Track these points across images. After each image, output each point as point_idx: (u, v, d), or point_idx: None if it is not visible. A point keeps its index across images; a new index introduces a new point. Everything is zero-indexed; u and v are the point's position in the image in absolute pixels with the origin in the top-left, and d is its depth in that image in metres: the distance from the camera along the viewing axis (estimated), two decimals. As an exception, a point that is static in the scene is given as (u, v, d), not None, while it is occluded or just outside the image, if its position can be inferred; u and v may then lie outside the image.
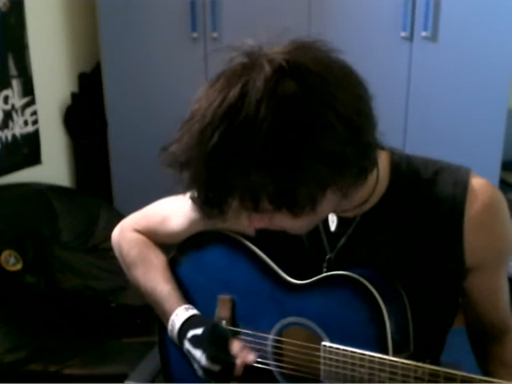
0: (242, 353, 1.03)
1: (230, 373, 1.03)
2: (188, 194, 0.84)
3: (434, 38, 2.28)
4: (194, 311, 1.12)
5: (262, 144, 0.75)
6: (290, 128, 0.76)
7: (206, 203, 0.82)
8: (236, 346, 1.04)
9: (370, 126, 0.84)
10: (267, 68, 0.77)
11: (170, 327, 1.12)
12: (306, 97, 0.77)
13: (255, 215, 0.83)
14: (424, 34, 2.27)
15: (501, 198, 0.97)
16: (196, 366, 1.06)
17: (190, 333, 1.07)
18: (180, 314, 1.11)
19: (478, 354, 1.10)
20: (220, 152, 0.76)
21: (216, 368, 1.02)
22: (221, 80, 0.80)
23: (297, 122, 0.76)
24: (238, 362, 1.02)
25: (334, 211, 0.99)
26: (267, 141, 0.75)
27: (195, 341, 1.06)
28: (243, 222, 0.86)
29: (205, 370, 1.04)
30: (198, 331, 1.07)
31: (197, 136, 0.78)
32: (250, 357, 1.03)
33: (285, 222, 0.85)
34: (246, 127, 0.75)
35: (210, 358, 1.03)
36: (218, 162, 0.77)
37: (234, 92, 0.76)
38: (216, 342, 1.04)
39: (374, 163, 0.89)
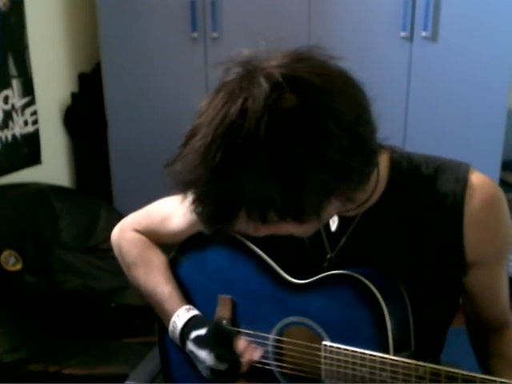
0: (248, 350, 1.04)
1: (237, 371, 1.04)
2: (193, 209, 0.84)
3: (434, 37, 2.28)
4: (195, 312, 1.12)
5: (266, 160, 0.75)
6: (293, 141, 0.76)
7: (213, 219, 0.83)
8: (241, 344, 1.05)
9: (371, 131, 0.84)
10: (265, 84, 0.77)
11: (171, 328, 1.12)
12: (305, 109, 0.77)
13: (261, 225, 0.84)
14: (424, 33, 2.27)
15: (500, 194, 0.97)
16: (201, 366, 1.06)
17: (193, 333, 1.07)
18: (181, 315, 1.11)
19: (477, 351, 1.10)
20: (225, 170, 0.77)
21: (223, 367, 1.03)
22: (220, 94, 0.80)
23: (299, 135, 0.76)
24: (245, 359, 1.03)
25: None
26: (271, 156, 0.75)
27: (199, 341, 1.06)
28: (249, 230, 0.86)
29: (212, 369, 1.04)
30: (202, 332, 1.07)
31: (200, 154, 0.78)
32: (256, 354, 1.05)
33: (290, 228, 0.86)
34: (249, 144, 0.76)
35: (217, 357, 1.03)
36: (224, 180, 0.77)
37: (234, 109, 0.77)
38: (221, 342, 1.05)
39: (375, 165, 0.90)
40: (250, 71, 0.80)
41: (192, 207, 0.83)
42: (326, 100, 0.78)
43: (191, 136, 0.80)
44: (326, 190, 0.80)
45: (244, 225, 0.82)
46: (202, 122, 0.80)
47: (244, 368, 1.04)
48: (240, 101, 0.77)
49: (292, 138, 0.76)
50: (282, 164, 0.76)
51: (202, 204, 0.81)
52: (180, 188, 0.82)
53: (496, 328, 1.07)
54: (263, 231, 0.86)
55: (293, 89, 0.77)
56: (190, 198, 0.82)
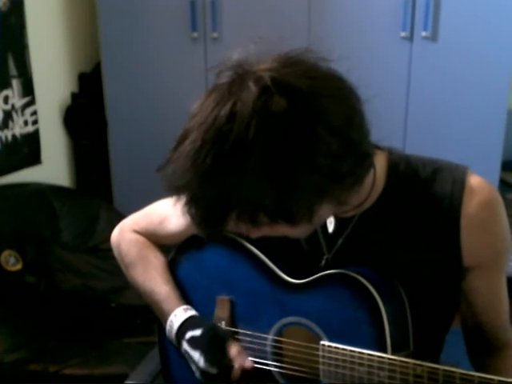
0: (240, 357, 1.04)
1: (228, 375, 1.03)
2: (185, 211, 0.84)
3: (434, 37, 2.28)
4: (192, 312, 1.12)
5: (255, 164, 0.75)
6: (282, 145, 0.76)
7: (204, 222, 0.83)
8: (234, 349, 1.05)
9: (363, 134, 0.84)
10: (253, 88, 0.77)
11: (168, 328, 1.12)
12: (294, 113, 0.76)
13: (252, 227, 0.84)
14: (424, 33, 2.27)
15: (498, 197, 0.96)
16: (194, 367, 1.06)
17: (189, 334, 1.07)
18: (178, 315, 1.11)
19: (476, 366, 1.07)
20: (215, 174, 0.77)
21: (213, 370, 1.03)
22: (211, 98, 0.80)
23: (288, 139, 0.76)
24: (236, 366, 1.03)
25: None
26: (260, 160, 0.75)
27: (193, 342, 1.06)
28: (242, 231, 0.86)
29: (202, 372, 1.04)
30: (197, 332, 1.07)
31: (190, 158, 0.78)
32: (248, 362, 1.04)
33: (283, 230, 0.86)
34: (238, 148, 0.76)
35: (207, 360, 1.03)
36: (214, 184, 0.78)
37: (224, 113, 0.77)
38: (214, 345, 1.04)
39: (369, 167, 0.90)
40: (240, 75, 0.80)
41: (184, 210, 0.83)
42: (315, 103, 0.78)
43: (182, 140, 0.81)
44: (316, 192, 0.80)
45: (236, 227, 0.83)
46: (192, 125, 0.80)
47: (235, 374, 1.03)
48: (229, 105, 0.77)
49: (281, 141, 0.76)
50: (272, 168, 0.76)
51: (194, 207, 0.82)
52: (172, 191, 0.83)
53: (496, 346, 1.04)
54: (255, 233, 0.86)
55: (282, 92, 0.76)
56: (182, 200, 0.82)
